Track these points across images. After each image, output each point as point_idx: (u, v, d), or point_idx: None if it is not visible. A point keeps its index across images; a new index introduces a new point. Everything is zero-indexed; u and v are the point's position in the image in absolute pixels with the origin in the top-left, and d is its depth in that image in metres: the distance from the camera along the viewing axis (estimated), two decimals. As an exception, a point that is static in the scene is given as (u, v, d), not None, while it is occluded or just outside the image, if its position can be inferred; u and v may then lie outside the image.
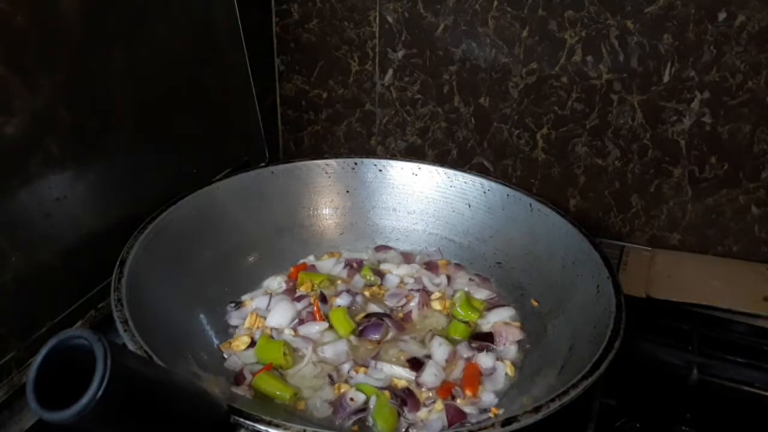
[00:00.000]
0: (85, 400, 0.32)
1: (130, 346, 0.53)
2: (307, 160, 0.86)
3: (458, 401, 0.62)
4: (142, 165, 0.74)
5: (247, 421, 0.48)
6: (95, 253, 0.67)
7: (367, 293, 0.76)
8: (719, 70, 0.83)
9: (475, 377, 0.65)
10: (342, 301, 0.73)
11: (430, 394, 0.63)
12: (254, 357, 0.66)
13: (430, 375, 0.64)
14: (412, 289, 0.76)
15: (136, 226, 0.68)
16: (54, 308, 0.64)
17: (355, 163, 0.87)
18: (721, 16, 0.80)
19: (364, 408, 0.60)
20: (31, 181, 0.60)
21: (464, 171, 0.84)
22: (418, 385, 0.64)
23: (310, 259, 0.82)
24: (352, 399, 0.61)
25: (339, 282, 0.78)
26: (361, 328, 0.70)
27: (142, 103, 0.73)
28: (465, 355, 0.68)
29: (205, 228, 0.75)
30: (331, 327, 0.70)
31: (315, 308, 0.71)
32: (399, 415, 0.60)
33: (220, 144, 0.89)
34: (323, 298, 0.73)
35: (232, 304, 0.73)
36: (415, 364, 0.65)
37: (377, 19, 0.97)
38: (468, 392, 0.63)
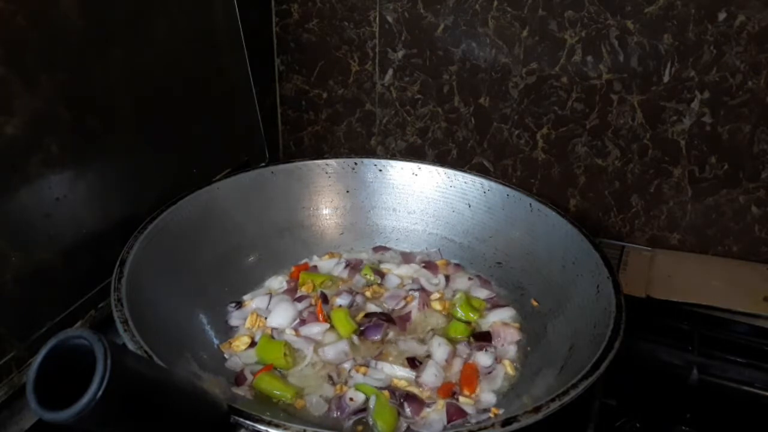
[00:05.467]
0: (85, 400, 0.32)
1: (130, 346, 0.53)
2: (307, 160, 0.86)
3: (459, 399, 0.62)
4: (142, 165, 0.74)
5: (247, 421, 0.48)
6: (95, 253, 0.67)
7: (367, 293, 0.76)
8: (719, 70, 0.83)
9: (473, 376, 0.65)
10: (342, 301, 0.73)
11: (431, 394, 0.63)
12: (255, 357, 0.66)
13: (431, 375, 0.64)
14: (411, 290, 0.76)
15: (136, 226, 0.68)
16: (54, 308, 0.64)
17: (355, 163, 0.87)
18: (721, 16, 0.80)
19: (364, 408, 0.60)
20: (31, 181, 0.60)
21: (464, 171, 0.84)
22: (419, 384, 0.64)
23: (311, 259, 0.82)
24: (351, 399, 0.61)
25: (340, 282, 0.78)
26: (362, 328, 0.70)
27: (142, 102, 0.73)
28: (464, 355, 0.68)
29: (205, 228, 0.75)
30: (332, 327, 0.70)
31: (318, 309, 0.71)
32: (399, 414, 0.60)
33: (220, 144, 0.89)
34: (325, 299, 0.73)
35: (233, 304, 0.73)
36: (416, 364, 0.66)
37: (377, 19, 0.97)
38: (466, 391, 0.63)
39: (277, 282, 0.78)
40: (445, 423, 0.60)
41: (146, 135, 0.75)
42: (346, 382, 0.64)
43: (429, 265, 0.81)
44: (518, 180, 0.98)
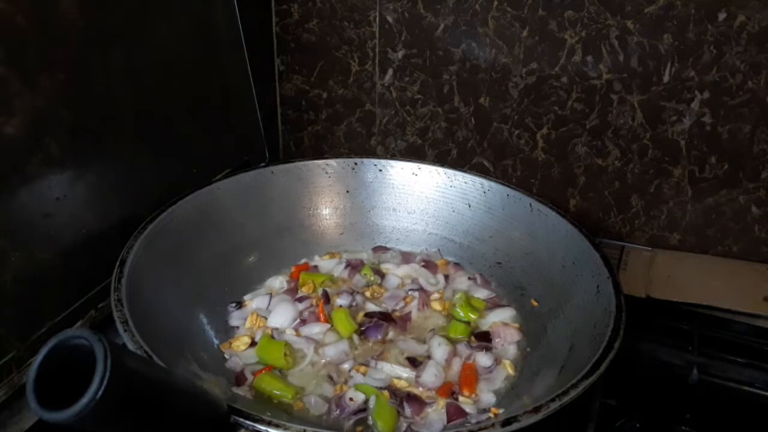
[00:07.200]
0: (85, 400, 0.32)
1: (130, 346, 0.53)
2: (307, 160, 0.86)
3: (459, 399, 0.62)
4: (142, 165, 0.75)
5: (247, 421, 0.48)
6: (95, 253, 0.67)
7: (367, 293, 0.76)
8: (719, 70, 0.83)
9: (472, 376, 0.65)
10: (343, 301, 0.73)
11: (431, 394, 0.63)
12: (255, 357, 0.66)
13: (431, 375, 0.64)
14: (411, 290, 0.76)
15: (136, 226, 0.68)
16: (54, 308, 0.64)
17: (355, 163, 0.87)
18: (721, 16, 0.80)
19: (364, 408, 0.60)
20: (31, 181, 0.60)
21: (464, 171, 0.84)
22: (419, 384, 0.64)
23: (312, 259, 0.82)
24: (351, 399, 0.61)
25: (340, 282, 0.78)
26: (362, 328, 0.70)
27: (142, 102, 0.73)
28: (463, 355, 0.68)
29: (205, 228, 0.75)
30: (332, 327, 0.70)
31: (319, 309, 0.71)
32: (399, 414, 0.60)
33: (220, 144, 0.89)
34: (327, 299, 0.73)
35: (233, 304, 0.73)
36: (416, 364, 0.66)
37: (377, 19, 0.97)
38: (466, 391, 0.63)
39: (278, 282, 0.78)
40: (445, 423, 0.60)
41: (146, 135, 0.75)
42: (346, 382, 0.64)
43: (429, 265, 0.81)
44: (518, 180, 0.98)
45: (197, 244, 0.74)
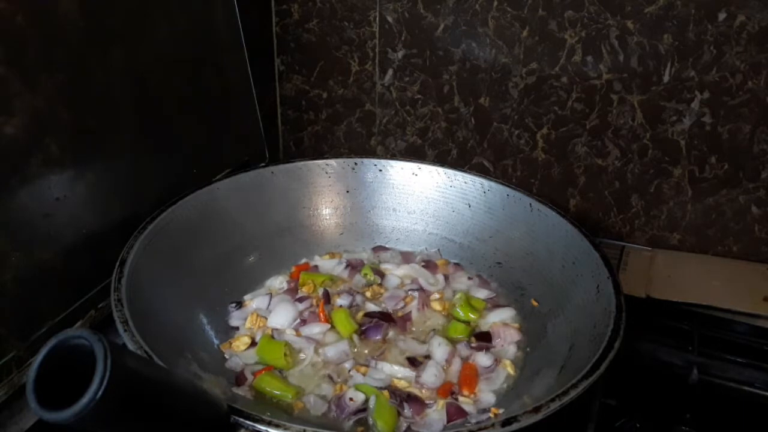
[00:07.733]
0: (85, 400, 0.32)
1: (130, 346, 0.53)
2: (307, 160, 0.86)
3: (459, 399, 0.62)
4: (143, 165, 0.74)
5: (247, 421, 0.48)
6: (95, 253, 0.67)
7: (367, 293, 0.76)
8: (719, 70, 0.83)
9: (472, 376, 0.65)
10: (343, 301, 0.73)
11: (431, 394, 0.63)
12: (255, 357, 0.66)
13: (431, 375, 0.64)
14: (411, 290, 0.76)
15: (136, 226, 0.68)
16: (54, 308, 0.64)
17: (355, 163, 0.87)
18: (721, 16, 0.80)
19: (364, 408, 0.60)
20: (31, 181, 0.60)
21: (464, 171, 0.84)
22: (419, 385, 0.64)
23: (312, 259, 0.82)
24: (351, 399, 0.61)
25: (340, 282, 0.78)
26: (363, 328, 0.70)
27: (141, 102, 0.73)
28: (463, 355, 0.68)
29: (205, 228, 0.75)
30: (332, 327, 0.70)
31: (320, 309, 0.71)
32: (399, 414, 0.60)
33: (220, 144, 0.89)
34: (327, 298, 0.73)
35: (233, 305, 0.73)
36: (416, 364, 0.66)
37: (377, 19, 0.97)
38: (465, 391, 0.63)
39: (278, 282, 0.78)
40: (445, 423, 0.60)
41: (146, 135, 0.75)
42: (346, 382, 0.64)
43: (429, 265, 0.81)
44: (518, 180, 0.98)
45: (197, 244, 0.74)
